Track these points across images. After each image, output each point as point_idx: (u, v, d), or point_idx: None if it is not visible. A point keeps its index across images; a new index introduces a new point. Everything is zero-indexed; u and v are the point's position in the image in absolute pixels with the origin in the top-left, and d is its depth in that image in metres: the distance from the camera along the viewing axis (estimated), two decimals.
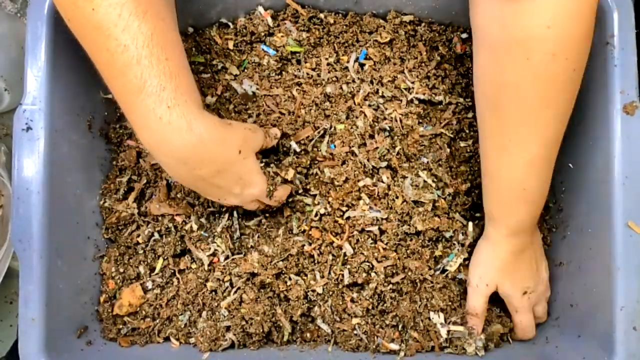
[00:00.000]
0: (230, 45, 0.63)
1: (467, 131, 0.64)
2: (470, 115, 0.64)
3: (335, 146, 0.62)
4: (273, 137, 0.59)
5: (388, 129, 0.62)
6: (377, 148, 0.61)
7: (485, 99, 0.52)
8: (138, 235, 0.62)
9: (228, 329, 0.59)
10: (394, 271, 0.60)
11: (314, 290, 0.60)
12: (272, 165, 0.58)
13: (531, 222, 0.57)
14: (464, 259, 0.61)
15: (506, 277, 0.59)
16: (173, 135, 0.46)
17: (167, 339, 0.61)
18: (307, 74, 0.63)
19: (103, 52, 0.45)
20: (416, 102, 0.63)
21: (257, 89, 0.63)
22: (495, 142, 0.53)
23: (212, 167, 0.50)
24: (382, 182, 0.61)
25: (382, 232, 0.61)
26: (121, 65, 0.44)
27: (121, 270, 0.62)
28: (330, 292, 0.60)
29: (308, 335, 0.61)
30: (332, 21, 0.63)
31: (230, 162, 0.51)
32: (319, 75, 0.63)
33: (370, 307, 0.60)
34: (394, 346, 0.59)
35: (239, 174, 0.53)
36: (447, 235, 0.62)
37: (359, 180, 0.61)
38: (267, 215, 0.63)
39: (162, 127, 0.46)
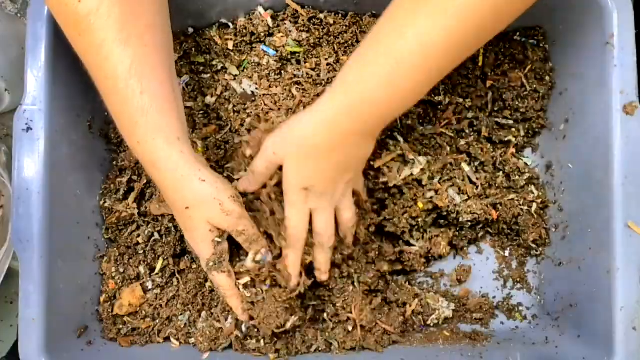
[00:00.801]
0: (230, 45, 0.63)
1: (467, 131, 0.64)
2: (470, 115, 0.64)
3: None
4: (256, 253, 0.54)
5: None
6: None
7: None
8: (138, 235, 0.62)
9: None
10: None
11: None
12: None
13: (377, 120, 0.48)
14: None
15: (301, 163, 0.49)
16: (143, 163, 0.50)
17: (167, 339, 0.61)
18: (307, 73, 0.63)
19: (94, 72, 0.48)
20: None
21: (257, 88, 0.63)
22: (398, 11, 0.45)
23: (171, 206, 0.53)
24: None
25: None
26: (105, 89, 0.48)
27: (121, 270, 0.62)
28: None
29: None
30: (332, 21, 0.63)
31: (176, 211, 0.53)
32: (318, 75, 0.63)
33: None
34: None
35: (185, 226, 0.54)
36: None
37: None
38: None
39: (136, 152, 0.49)
